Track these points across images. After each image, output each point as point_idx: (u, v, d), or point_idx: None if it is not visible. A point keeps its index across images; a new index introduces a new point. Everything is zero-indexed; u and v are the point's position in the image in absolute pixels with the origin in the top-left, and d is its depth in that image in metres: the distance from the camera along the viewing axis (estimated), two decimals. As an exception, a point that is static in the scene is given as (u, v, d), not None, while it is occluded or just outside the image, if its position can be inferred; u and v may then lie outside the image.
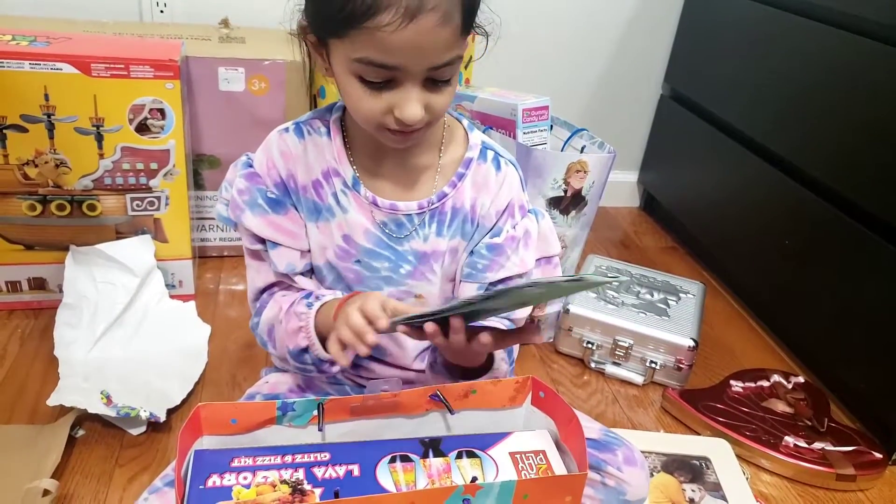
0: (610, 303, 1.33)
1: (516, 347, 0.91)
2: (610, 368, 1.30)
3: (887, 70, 1.16)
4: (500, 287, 0.70)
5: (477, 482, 0.61)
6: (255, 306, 0.83)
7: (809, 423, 1.18)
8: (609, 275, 1.43)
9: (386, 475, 0.61)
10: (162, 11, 1.55)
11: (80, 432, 1.03)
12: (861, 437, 1.16)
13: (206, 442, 0.63)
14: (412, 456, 0.64)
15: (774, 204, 1.44)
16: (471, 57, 1.44)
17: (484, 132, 1.09)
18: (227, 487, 0.59)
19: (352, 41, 0.63)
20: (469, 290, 0.80)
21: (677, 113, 1.81)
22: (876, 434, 1.20)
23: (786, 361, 1.41)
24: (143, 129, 1.20)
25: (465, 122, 0.82)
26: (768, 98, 1.46)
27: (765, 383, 1.27)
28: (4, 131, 1.15)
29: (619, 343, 1.28)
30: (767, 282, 1.46)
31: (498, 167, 0.80)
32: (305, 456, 0.63)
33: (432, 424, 0.69)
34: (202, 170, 1.43)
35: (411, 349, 0.84)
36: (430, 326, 0.64)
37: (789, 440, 1.13)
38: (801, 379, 1.29)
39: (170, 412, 1.05)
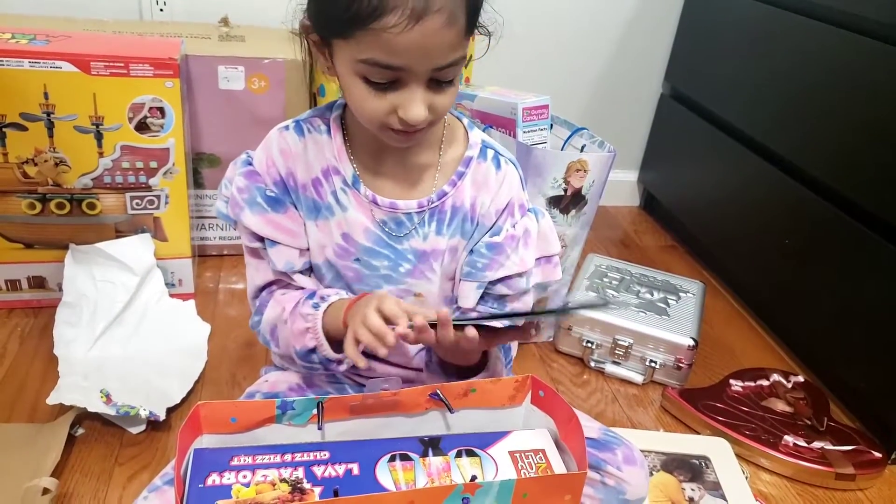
0: (610, 302, 1.33)
1: (514, 346, 0.91)
2: (610, 367, 1.30)
3: (887, 69, 1.16)
4: (553, 307, 0.69)
5: (476, 481, 0.61)
6: (255, 304, 0.84)
7: (809, 423, 1.18)
8: (609, 273, 1.43)
9: (385, 474, 0.61)
10: (161, 10, 1.54)
11: (80, 431, 1.03)
12: (860, 437, 1.16)
13: (206, 440, 0.63)
14: (412, 455, 0.64)
15: (774, 203, 1.44)
16: (471, 56, 1.43)
17: (484, 131, 1.09)
18: (227, 486, 0.59)
19: (357, 42, 0.63)
20: (469, 289, 0.80)
21: (677, 112, 1.81)
22: (875, 433, 1.20)
23: (785, 361, 1.41)
24: (142, 127, 1.20)
25: (466, 120, 0.82)
26: (768, 97, 1.45)
27: (764, 382, 1.27)
28: (4, 130, 1.15)
29: (619, 342, 1.28)
30: (767, 281, 1.46)
31: (498, 166, 0.80)
32: (305, 455, 0.63)
33: (432, 423, 0.69)
34: (202, 168, 1.43)
35: (412, 347, 0.84)
36: (418, 319, 0.64)
37: (789, 439, 1.13)
38: (800, 378, 1.29)
39: (169, 411, 1.05)
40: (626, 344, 1.27)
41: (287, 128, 0.79)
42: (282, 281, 0.81)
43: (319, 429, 0.65)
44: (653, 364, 1.27)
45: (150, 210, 1.28)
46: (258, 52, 1.37)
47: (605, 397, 1.25)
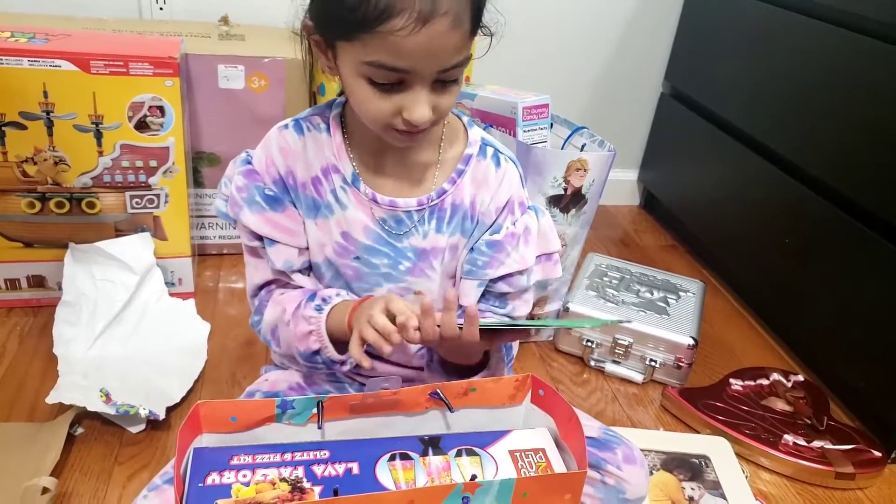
0: (610, 301, 1.33)
1: (515, 345, 0.91)
2: (610, 367, 1.30)
3: (887, 68, 1.16)
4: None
5: (476, 480, 0.61)
6: (254, 303, 0.84)
7: (809, 422, 1.18)
8: (609, 273, 1.43)
9: (385, 473, 0.61)
10: (161, 8, 1.54)
11: (80, 430, 1.02)
12: (860, 436, 1.16)
13: (206, 440, 0.63)
14: (412, 454, 0.64)
15: (774, 202, 1.44)
16: (471, 55, 1.43)
17: (484, 130, 1.09)
18: (227, 485, 0.59)
19: (363, 44, 0.63)
20: (469, 287, 0.80)
21: (677, 111, 1.81)
22: (875, 432, 1.20)
23: (785, 360, 1.41)
24: (142, 126, 1.20)
25: (465, 118, 0.82)
26: (768, 96, 1.45)
27: (764, 382, 1.27)
28: (3, 128, 1.15)
29: (619, 341, 1.28)
30: (767, 280, 1.46)
31: (497, 163, 0.80)
32: (305, 454, 0.62)
33: (432, 422, 0.69)
34: (202, 167, 1.43)
35: (413, 346, 0.84)
36: (426, 301, 0.64)
37: (789, 438, 1.13)
38: (800, 377, 1.29)
39: (169, 410, 1.05)
40: (626, 343, 1.27)
41: (286, 126, 0.79)
42: (280, 280, 0.82)
43: (319, 428, 0.65)
44: (653, 363, 1.27)
45: (150, 209, 1.28)
46: (258, 51, 1.37)
47: (605, 396, 1.25)
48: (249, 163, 0.79)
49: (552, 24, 1.76)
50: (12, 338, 1.21)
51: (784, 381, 1.28)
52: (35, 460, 0.92)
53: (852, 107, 1.24)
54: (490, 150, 0.80)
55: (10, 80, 1.12)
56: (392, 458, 0.63)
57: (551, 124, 1.31)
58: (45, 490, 0.87)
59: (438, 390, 0.67)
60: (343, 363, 0.77)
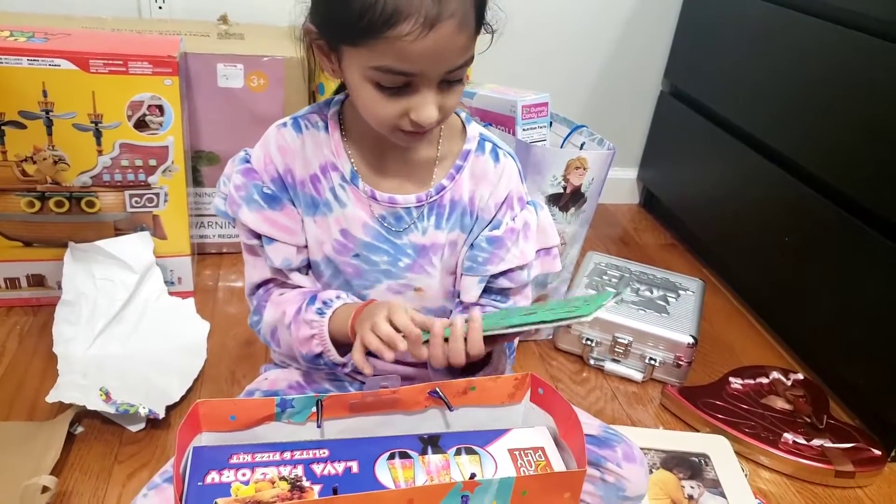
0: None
1: (515, 343, 0.91)
2: (609, 365, 1.30)
3: (886, 66, 1.16)
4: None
5: (476, 479, 0.61)
6: (253, 302, 0.84)
7: (808, 420, 1.18)
8: (609, 271, 1.43)
9: (385, 472, 0.61)
10: (160, 8, 1.54)
11: (79, 429, 1.03)
12: (860, 434, 1.16)
13: (205, 438, 0.63)
14: (411, 453, 0.64)
15: (774, 200, 1.44)
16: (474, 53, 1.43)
17: (483, 127, 1.09)
18: (226, 484, 0.59)
19: (369, 49, 0.63)
20: (470, 284, 0.80)
21: (677, 109, 1.81)
22: (875, 431, 1.20)
23: (785, 358, 1.41)
24: (141, 125, 1.20)
25: (463, 115, 0.82)
26: (768, 94, 1.45)
27: (764, 380, 1.27)
28: (3, 128, 1.15)
29: (619, 340, 1.28)
30: (767, 278, 1.46)
31: (496, 159, 0.80)
32: (304, 453, 0.62)
33: (431, 421, 0.69)
34: (201, 166, 1.43)
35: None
36: (436, 329, 0.65)
37: (788, 437, 1.13)
38: (800, 376, 1.29)
39: (169, 409, 1.05)
40: (625, 342, 1.27)
41: (285, 124, 0.79)
42: (279, 279, 0.82)
43: (319, 427, 0.65)
44: (652, 362, 1.27)
45: (150, 208, 1.28)
46: (257, 49, 1.37)
47: (604, 395, 1.25)
48: (248, 161, 0.79)
49: (551, 22, 1.76)
50: (12, 337, 1.21)
51: (784, 379, 1.28)
52: (35, 459, 0.92)
53: (852, 104, 1.24)
54: (488, 146, 0.80)
55: (9, 80, 1.12)
56: (391, 457, 0.63)
57: (550, 123, 1.31)
58: (45, 489, 0.87)
59: (438, 389, 0.67)
60: (345, 365, 0.77)
